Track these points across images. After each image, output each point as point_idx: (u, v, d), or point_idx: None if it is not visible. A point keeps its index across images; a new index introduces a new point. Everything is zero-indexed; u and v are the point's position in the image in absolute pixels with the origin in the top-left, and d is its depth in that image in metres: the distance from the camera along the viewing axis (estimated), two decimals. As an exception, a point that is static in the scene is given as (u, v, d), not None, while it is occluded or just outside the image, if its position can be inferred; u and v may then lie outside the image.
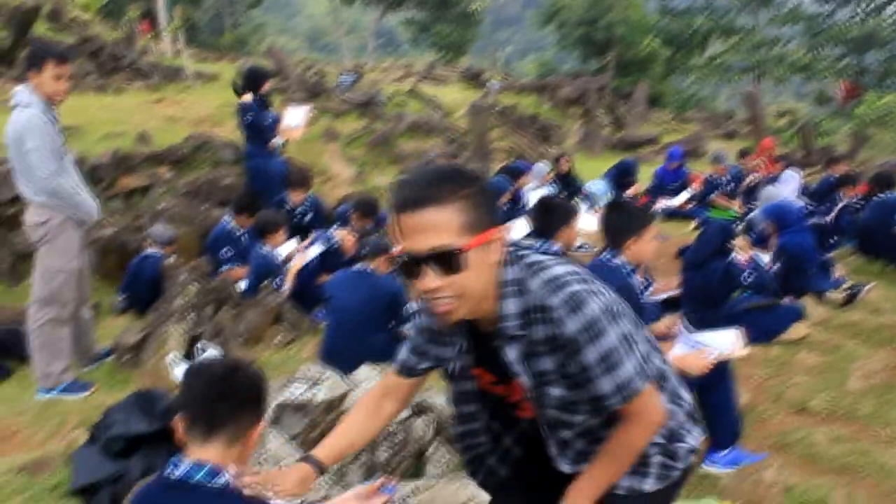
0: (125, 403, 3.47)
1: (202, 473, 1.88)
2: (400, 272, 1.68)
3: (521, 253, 1.74)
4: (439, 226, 1.57)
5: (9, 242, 6.96)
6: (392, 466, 3.36)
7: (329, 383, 3.19)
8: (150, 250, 6.35)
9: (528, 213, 5.01)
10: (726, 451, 3.78)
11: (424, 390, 3.82)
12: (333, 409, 3.26)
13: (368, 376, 3.57)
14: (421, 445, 3.57)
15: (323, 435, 3.33)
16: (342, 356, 4.63)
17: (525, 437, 2.04)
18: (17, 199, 5.86)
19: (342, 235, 6.95)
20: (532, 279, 1.68)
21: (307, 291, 6.37)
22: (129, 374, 5.09)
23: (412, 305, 2.05)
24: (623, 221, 3.63)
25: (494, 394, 1.91)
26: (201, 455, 1.92)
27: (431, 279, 1.60)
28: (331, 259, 6.78)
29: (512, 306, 1.68)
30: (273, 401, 3.23)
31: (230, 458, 1.94)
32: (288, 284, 6.19)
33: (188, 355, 5.09)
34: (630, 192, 10.58)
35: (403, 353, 2.03)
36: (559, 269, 1.69)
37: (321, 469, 2.01)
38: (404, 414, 3.52)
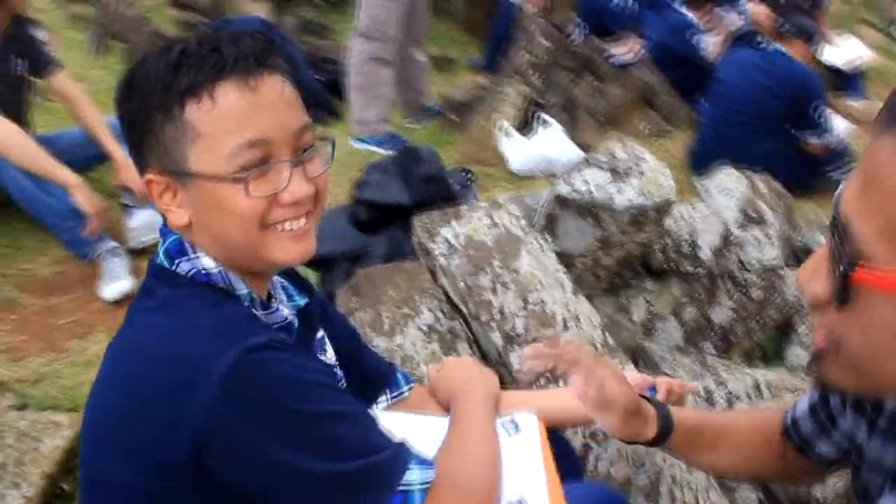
0: (389, 162, 2.57)
1: (162, 250, 0.99)
2: None
3: None
4: None
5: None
6: (732, 340, 2.03)
7: (646, 179, 1.80)
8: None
9: None
10: None
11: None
12: (645, 224, 1.95)
13: (728, 186, 2.18)
14: (786, 312, 2.19)
15: (624, 264, 2.08)
16: (714, 160, 3.35)
17: None
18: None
19: (758, 11, 5.48)
20: None
21: (693, 76, 5.05)
22: (452, 136, 4.30)
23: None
24: None
25: None
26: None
27: None
28: (737, 40, 5.30)
29: None
30: (549, 191, 2.03)
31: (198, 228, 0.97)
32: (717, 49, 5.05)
33: (523, 127, 4.13)
34: None
35: (802, 406, 1.17)
36: None
37: (667, 428, 1.14)
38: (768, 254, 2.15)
